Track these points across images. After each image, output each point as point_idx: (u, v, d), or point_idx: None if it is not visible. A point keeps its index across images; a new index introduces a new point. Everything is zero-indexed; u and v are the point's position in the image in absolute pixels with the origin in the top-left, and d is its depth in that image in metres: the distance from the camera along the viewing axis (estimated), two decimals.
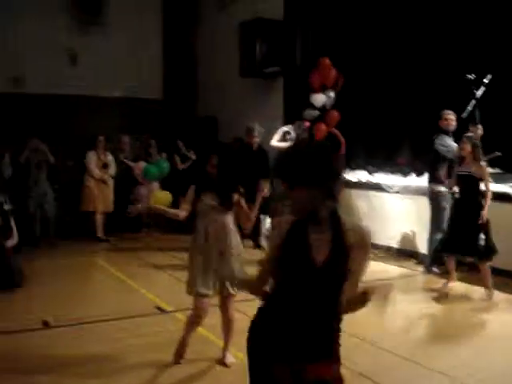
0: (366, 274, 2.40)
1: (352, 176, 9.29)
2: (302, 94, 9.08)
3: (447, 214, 7.12)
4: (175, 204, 4.63)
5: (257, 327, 2.45)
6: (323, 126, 8.48)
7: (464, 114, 7.54)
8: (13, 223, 7.22)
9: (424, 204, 7.74)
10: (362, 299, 2.29)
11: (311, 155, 2.24)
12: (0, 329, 5.30)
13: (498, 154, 7.19)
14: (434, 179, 7.55)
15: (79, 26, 11.29)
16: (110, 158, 10.33)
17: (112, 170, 10.32)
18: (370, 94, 8.92)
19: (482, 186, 6.47)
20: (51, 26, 10.87)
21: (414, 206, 8.29)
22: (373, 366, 4.52)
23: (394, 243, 8.66)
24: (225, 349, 4.58)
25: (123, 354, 4.72)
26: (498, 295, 6.51)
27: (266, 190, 4.65)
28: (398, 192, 8.65)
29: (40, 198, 9.55)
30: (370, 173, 9.24)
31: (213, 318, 4.58)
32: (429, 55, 8.04)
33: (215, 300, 4.50)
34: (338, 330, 2.42)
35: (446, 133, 7.49)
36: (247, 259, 4.50)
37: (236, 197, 4.38)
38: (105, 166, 10.20)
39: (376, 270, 7.14)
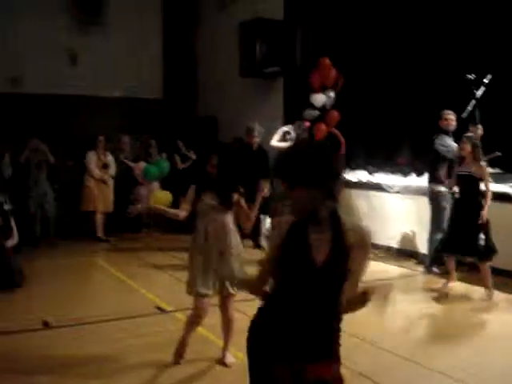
0: (366, 274, 2.40)
1: (352, 176, 9.29)
2: (301, 94, 9.08)
3: (447, 213, 7.12)
4: (175, 204, 4.63)
5: (257, 327, 2.45)
6: (323, 126, 8.48)
7: (464, 114, 7.54)
8: (13, 223, 7.22)
9: (424, 204, 7.74)
10: (362, 299, 2.29)
11: (311, 155, 2.24)
12: (0, 329, 5.30)
13: (498, 154, 7.19)
14: (434, 179, 7.55)
15: (79, 26, 11.29)
16: (110, 158, 10.33)
17: (112, 170, 10.31)
18: (370, 94, 8.92)
19: (482, 186, 6.47)
20: (51, 26, 10.87)
21: (414, 206, 8.29)
22: (373, 366, 4.52)
23: (394, 243, 8.66)
24: (225, 349, 4.58)
25: (123, 354, 4.72)
26: (498, 295, 6.51)
27: (265, 189, 4.64)
28: (398, 192, 8.65)
29: (40, 198, 9.55)
30: (370, 173, 9.24)
31: (213, 317, 4.58)
32: (429, 55, 8.04)
33: (215, 300, 4.50)
34: (338, 329, 2.41)
35: (446, 133, 7.49)
36: (247, 259, 4.50)
37: (236, 197, 4.38)
38: (105, 166, 10.20)
39: (376, 269, 7.13)
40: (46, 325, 5.41)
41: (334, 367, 2.41)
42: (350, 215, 2.39)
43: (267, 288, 2.48)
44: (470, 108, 7.43)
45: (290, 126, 9.00)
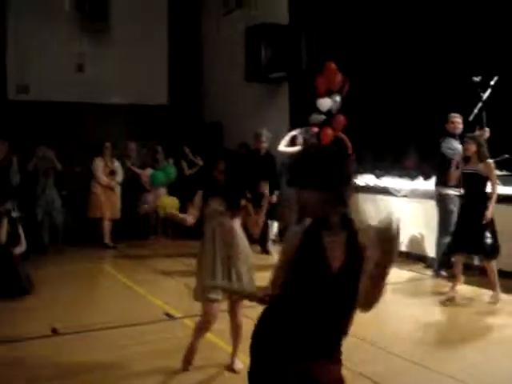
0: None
1: (359, 180, 9.27)
2: (307, 99, 9.07)
3: (455, 217, 7.07)
4: (182, 210, 4.62)
5: (266, 327, 2.43)
6: (330, 131, 8.47)
7: (471, 117, 7.51)
8: (21, 230, 7.25)
9: (432, 207, 7.71)
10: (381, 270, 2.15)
11: (323, 159, 2.25)
12: (7, 336, 5.31)
13: (506, 156, 7.16)
14: (441, 182, 7.52)
15: (86, 34, 11.38)
16: (116, 164, 10.33)
17: (119, 176, 10.31)
18: (377, 98, 8.91)
19: (488, 188, 6.44)
20: (58, 35, 10.95)
21: (421, 209, 8.26)
22: (383, 372, 4.49)
23: (403, 247, 8.62)
24: (233, 354, 4.56)
25: (130, 361, 4.71)
26: (506, 298, 6.48)
27: (266, 191, 4.63)
28: (405, 196, 8.62)
29: (48, 206, 9.58)
30: (378, 177, 9.22)
31: (222, 323, 4.57)
32: (435, 58, 8.03)
33: (224, 305, 4.49)
34: (346, 332, 2.40)
35: (453, 136, 7.47)
36: (255, 264, 4.51)
37: (243, 202, 4.38)
38: (112, 172, 10.20)
39: None
40: (55, 331, 5.42)
41: (335, 368, 2.41)
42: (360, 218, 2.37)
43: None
44: (476, 110, 7.41)
45: (298, 130, 8.99)
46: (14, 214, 7.22)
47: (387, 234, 2.08)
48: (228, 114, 11.81)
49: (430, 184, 8.07)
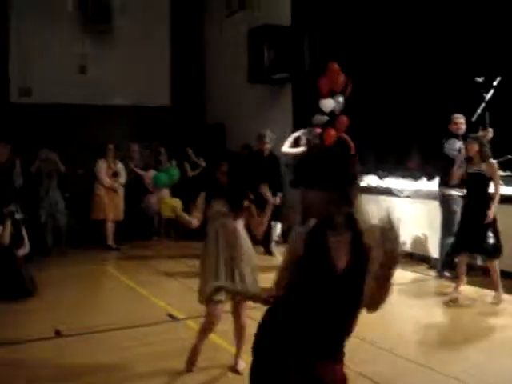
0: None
1: (363, 181, 9.26)
2: (310, 100, 9.08)
3: (458, 217, 7.06)
4: (186, 211, 4.62)
5: (270, 326, 2.43)
6: (333, 132, 8.47)
7: (474, 118, 7.50)
8: (24, 232, 7.25)
9: (435, 208, 7.70)
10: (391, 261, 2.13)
11: (329, 159, 2.25)
12: (10, 338, 5.31)
13: (509, 156, 7.15)
14: (444, 183, 7.51)
15: (88, 36, 11.38)
16: (119, 166, 10.33)
17: (122, 178, 10.31)
18: (380, 99, 8.90)
19: (491, 188, 6.43)
20: (61, 36, 10.97)
21: (424, 210, 8.25)
22: (388, 373, 4.48)
23: (406, 248, 8.61)
24: (237, 355, 4.56)
25: (134, 363, 4.71)
26: (508, 298, 6.46)
27: (268, 193, 4.62)
28: (408, 196, 8.61)
29: (51, 208, 9.60)
30: (381, 177, 9.21)
31: (225, 324, 4.57)
32: (437, 59, 8.03)
33: (227, 306, 4.49)
34: (351, 332, 2.40)
35: (456, 136, 7.46)
36: (258, 265, 4.51)
37: (246, 203, 4.38)
38: (115, 174, 10.20)
39: None
40: (58, 333, 5.42)
41: (338, 367, 2.40)
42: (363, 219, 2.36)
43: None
44: (479, 111, 7.40)
45: (302, 131, 8.98)
46: (18, 216, 7.22)
47: (388, 234, 2.08)
48: (231, 115, 11.81)
49: (433, 185, 8.06)
